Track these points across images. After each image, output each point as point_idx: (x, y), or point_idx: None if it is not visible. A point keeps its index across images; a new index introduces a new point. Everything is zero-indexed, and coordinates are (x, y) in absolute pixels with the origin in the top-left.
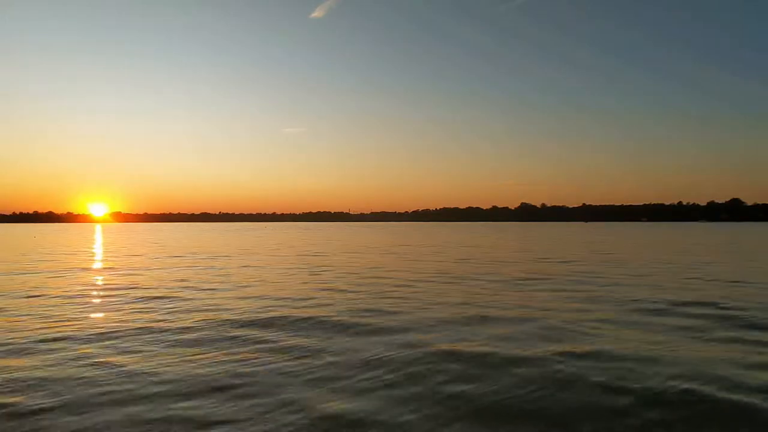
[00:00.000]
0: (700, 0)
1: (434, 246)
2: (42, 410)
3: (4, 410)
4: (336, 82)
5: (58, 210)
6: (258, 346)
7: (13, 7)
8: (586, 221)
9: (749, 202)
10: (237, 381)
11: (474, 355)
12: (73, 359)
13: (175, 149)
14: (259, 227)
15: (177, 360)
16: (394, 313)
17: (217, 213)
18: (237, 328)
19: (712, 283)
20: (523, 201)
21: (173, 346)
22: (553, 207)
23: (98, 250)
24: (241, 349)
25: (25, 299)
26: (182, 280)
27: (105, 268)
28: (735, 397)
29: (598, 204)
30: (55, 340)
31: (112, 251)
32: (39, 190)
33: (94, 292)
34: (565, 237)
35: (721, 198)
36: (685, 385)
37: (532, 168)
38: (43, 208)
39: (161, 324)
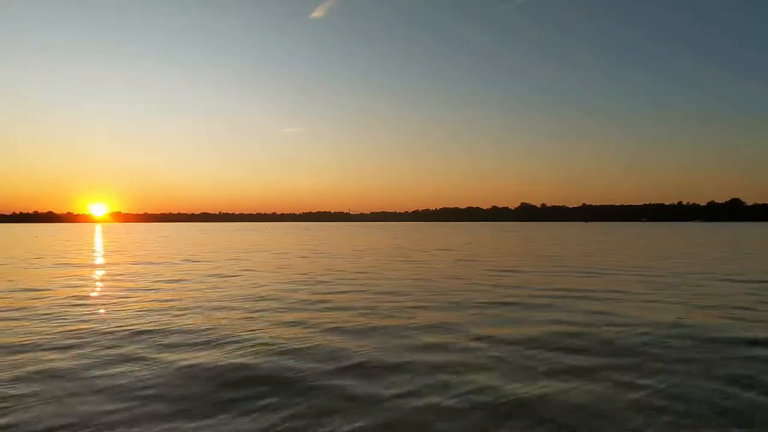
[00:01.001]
0: (700, 0)
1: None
2: None
3: None
4: (336, 82)
5: (58, 210)
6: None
7: (13, 7)
8: (586, 221)
9: (749, 202)
10: None
11: None
12: None
13: (175, 149)
14: (260, 227)
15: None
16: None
17: (217, 213)
18: None
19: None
20: (523, 201)
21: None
22: (553, 207)
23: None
24: None
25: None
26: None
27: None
28: None
29: (598, 204)
30: None
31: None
32: (39, 190)
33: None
34: (568, 237)
35: (721, 198)
36: None
37: (532, 168)
38: (43, 208)
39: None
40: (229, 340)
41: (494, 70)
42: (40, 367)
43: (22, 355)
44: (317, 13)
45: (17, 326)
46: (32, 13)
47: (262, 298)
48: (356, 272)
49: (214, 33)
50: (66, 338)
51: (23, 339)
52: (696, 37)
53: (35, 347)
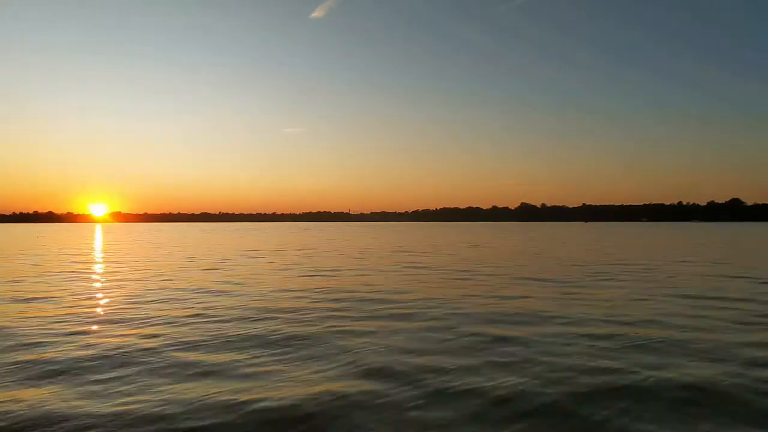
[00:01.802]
0: (700, 0)
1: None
2: None
3: None
4: (336, 82)
5: (58, 210)
6: None
7: (13, 7)
8: (586, 221)
9: (749, 202)
10: None
11: None
12: None
13: (175, 149)
14: (261, 227)
15: None
16: None
17: (217, 213)
18: None
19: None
20: (523, 201)
21: None
22: (553, 207)
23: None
24: None
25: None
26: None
27: None
28: None
29: (598, 204)
30: None
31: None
32: (39, 190)
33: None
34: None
35: (721, 198)
36: None
37: (532, 168)
38: (43, 208)
39: None
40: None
41: (494, 70)
42: None
43: None
44: (317, 13)
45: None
46: (32, 13)
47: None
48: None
49: (214, 33)
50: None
51: None
52: (696, 37)
53: None
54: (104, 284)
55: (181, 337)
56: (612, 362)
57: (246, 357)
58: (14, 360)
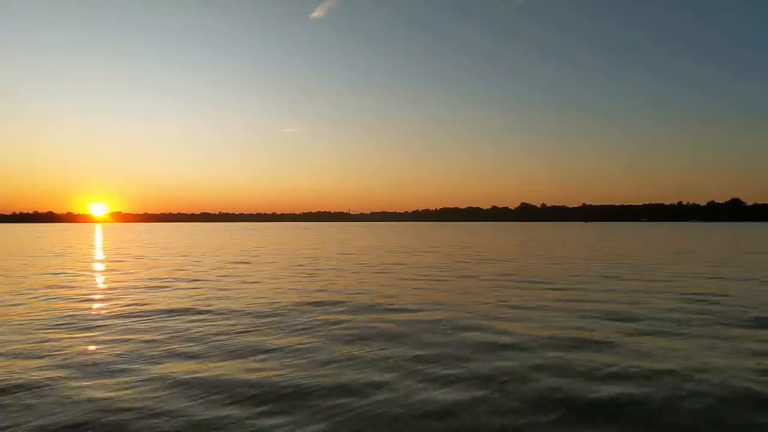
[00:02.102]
0: (700, 0)
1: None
2: None
3: None
4: (336, 82)
5: (58, 210)
6: None
7: (13, 7)
8: (586, 221)
9: (749, 202)
10: None
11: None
12: None
13: (176, 149)
14: (261, 227)
15: None
16: None
17: (217, 213)
18: None
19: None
20: (523, 201)
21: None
22: (553, 207)
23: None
24: None
25: None
26: None
27: None
28: None
29: (598, 204)
30: None
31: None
32: (39, 190)
33: None
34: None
35: (721, 198)
36: None
37: (532, 168)
38: (43, 208)
39: None
40: None
41: (494, 70)
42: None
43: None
44: (317, 13)
45: None
46: (32, 13)
47: None
48: None
49: (214, 33)
50: None
51: None
52: (696, 37)
53: None
54: (106, 283)
55: (185, 338)
56: (615, 361)
57: (251, 360)
58: (27, 359)
